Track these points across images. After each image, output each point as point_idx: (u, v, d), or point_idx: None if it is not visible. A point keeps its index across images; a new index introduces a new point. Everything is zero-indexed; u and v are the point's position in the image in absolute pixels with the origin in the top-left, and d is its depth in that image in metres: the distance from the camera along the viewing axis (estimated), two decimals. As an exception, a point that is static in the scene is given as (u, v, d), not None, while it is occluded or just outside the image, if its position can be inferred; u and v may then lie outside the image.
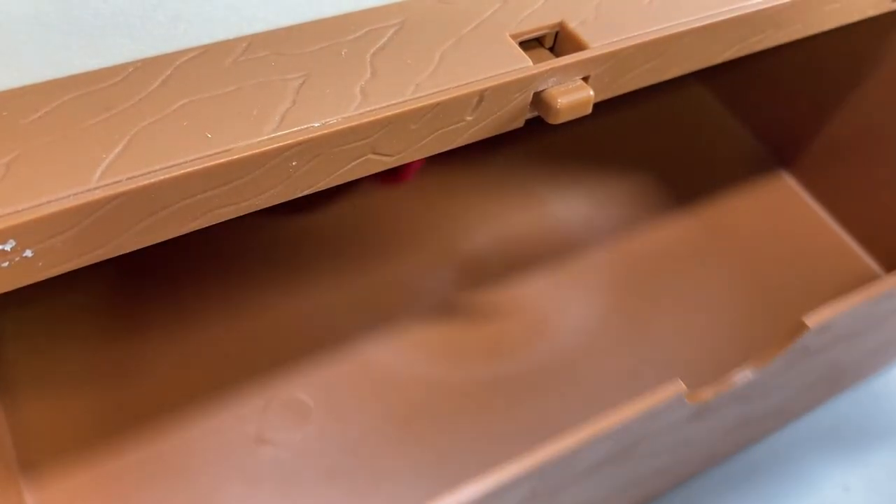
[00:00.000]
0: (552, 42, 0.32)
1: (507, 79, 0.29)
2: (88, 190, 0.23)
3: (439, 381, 0.43)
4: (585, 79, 0.31)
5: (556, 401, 0.43)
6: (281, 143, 0.25)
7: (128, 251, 0.25)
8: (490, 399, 0.42)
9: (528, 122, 0.32)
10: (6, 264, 0.23)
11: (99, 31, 0.27)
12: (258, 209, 0.27)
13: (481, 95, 0.29)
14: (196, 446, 0.39)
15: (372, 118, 0.27)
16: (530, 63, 0.30)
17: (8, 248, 0.23)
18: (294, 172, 0.26)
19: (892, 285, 0.33)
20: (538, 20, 0.32)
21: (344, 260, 0.48)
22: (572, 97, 0.30)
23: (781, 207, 0.54)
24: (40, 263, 0.24)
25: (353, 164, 0.28)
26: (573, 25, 0.32)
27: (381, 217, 0.50)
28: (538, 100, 0.31)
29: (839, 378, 0.42)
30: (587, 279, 0.49)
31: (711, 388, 0.31)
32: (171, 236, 0.26)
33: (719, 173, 0.55)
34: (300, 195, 0.27)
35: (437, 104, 0.28)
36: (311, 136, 0.26)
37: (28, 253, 0.23)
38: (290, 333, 0.44)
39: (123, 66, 0.27)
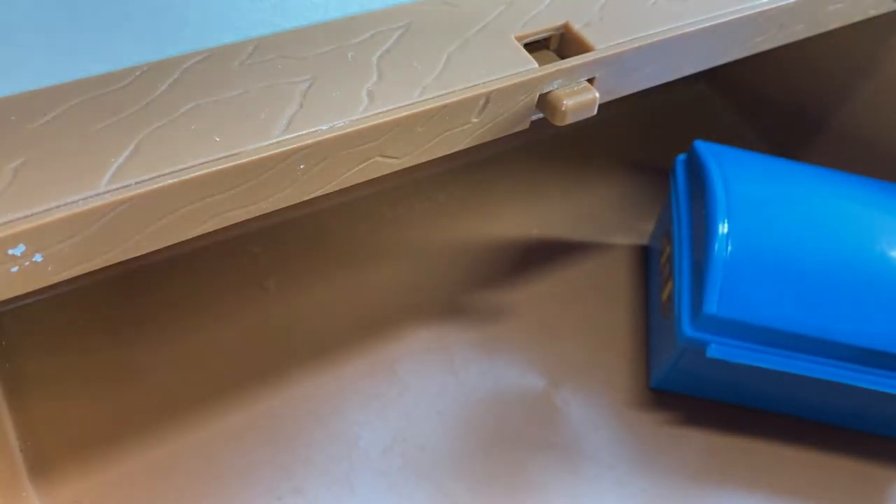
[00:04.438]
0: (557, 44, 0.33)
1: (513, 81, 0.29)
2: (97, 194, 0.23)
3: (438, 380, 0.43)
4: (591, 80, 0.31)
5: (554, 405, 0.43)
6: (289, 147, 0.26)
7: (137, 255, 0.25)
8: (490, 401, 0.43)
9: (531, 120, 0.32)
10: (16, 269, 0.23)
11: (106, 36, 0.28)
12: (266, 212, 0.27)
13: (487, 98, 0.29)
14: (207, 448, 0.39)
15: (379, 121, 0.27)
16: (536, 65, 0.30)
17: (18, 252, 0.23)
18: (302, 175, 0.27)
19: None
20: (543, 22, 0.32)
21: (344, 260, 0.48)
22: (578, 99, 0.30)
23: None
24: (50, 268, 0.24)
25: (360, 166, 0.28)
26: (578, 27, 0.32)
27: (380, 217, 0.50)
28: (544, 101, 0.31)
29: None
30: (588, 280, 0.49)
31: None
32: (180, 239, 0.26)
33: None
34: (308, 198, 0.27)
35: (444, 106, 0.28)
36: (318, 139, 0.26)
37: (38, 257, 0.23)
38: (294, 334, 0.44)
39: (130, 70, 0.27)
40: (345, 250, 0.48)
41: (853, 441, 0.43)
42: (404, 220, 0.51)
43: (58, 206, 0.23)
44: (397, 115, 0.27)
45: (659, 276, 0.46)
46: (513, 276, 0.48)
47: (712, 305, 0.38)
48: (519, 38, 0.31)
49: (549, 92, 0.31)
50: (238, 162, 0.25)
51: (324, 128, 0.26)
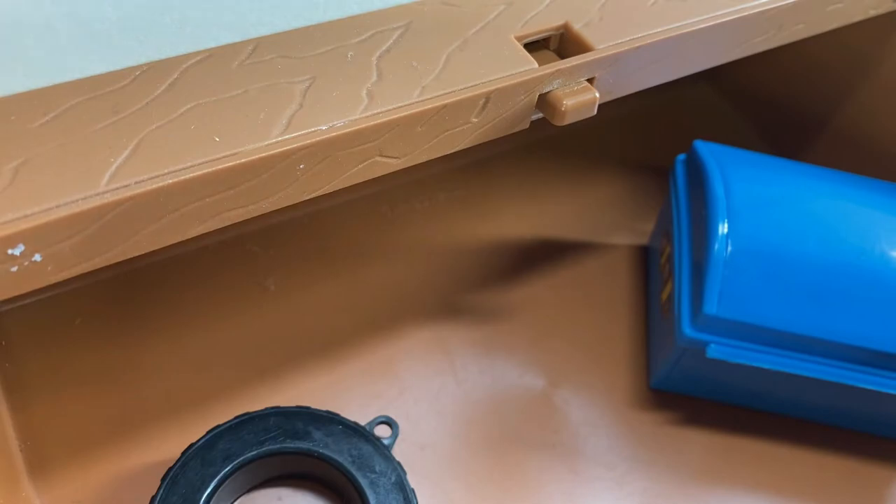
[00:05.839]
0: (557, 44, 0.33)
1: (513, 81, 0.29)
2: (97, 194, 0.23)
3: (437, 380, 0.43)
4: (591, 80, 0.31)
5: (554, 408, 0.43)
6: (288, 147, 0.26)
7: (137, 254, 0.25)
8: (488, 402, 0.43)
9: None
10: (15, 268, 0.23)
11: (106, 35, 0.28)
12: (266, 212, 0.27)
13: (487, 97, 0.29)
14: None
15: (378, 121, 0.27)
16: (536, 65, 0.30)
17: (17, 252, 0.23)
18: (302, 175, 0.27)
19: None
20: (543, 22, 0.32)
21: (344, 260, 0.48)
22: (578, 99, 0.30)
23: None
24: (49, 267, 0.24)
25: (360, 166, 0.28)
26: (578, 27, 0.32)
27: (380, 217, 0.50)
28: (543, 101, 0.31)
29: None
30: (588, 280, 0.49)
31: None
32: (179, 239, 0.26)
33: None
34: (308, 198, 0.27)
35: (444, 106, 0.28)
36: (318, 139, 0.26)
37: (37, 257, 0.23)
38: (294, 334, 0.44)
39: (131, 70, 0.27)
40: (345, 250, 0.48)
41: (853, 441, 0.43)
42: (404, 220, 0.51)
43: (57, 206, 0.23)
44: (397, 115, 0.27)
45: (659, 276, 0.46)
46: (513, 276, 0.48)
47: (712, 305, 0.38)
48: (519, 38, 0.31)
49: (548, 92, 0.31)
50: (238, 162, 0.25)
51: (323, 128, 0.26)
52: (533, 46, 0.32)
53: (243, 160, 0.25)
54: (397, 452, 0.40)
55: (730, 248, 0.38)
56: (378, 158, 0.28)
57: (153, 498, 0.34)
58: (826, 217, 0.39)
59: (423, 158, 0.30)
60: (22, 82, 0.26)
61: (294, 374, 0.42)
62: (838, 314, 0.37)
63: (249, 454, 0.35)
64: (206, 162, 0.25)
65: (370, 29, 0.30)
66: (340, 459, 0.35)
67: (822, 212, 0.39)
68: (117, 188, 0.24)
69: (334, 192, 0.28)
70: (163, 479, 0.34)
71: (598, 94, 0.31)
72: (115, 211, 0.24)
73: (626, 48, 0.31)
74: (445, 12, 0.32)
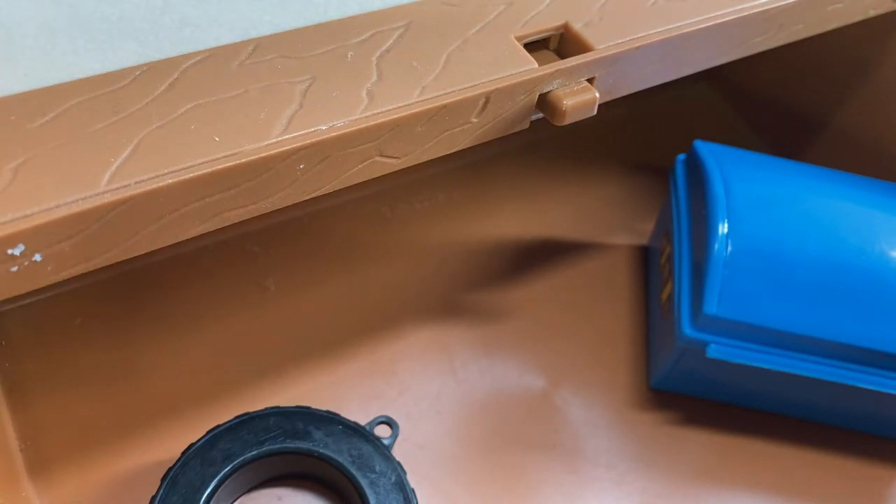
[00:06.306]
0: (557, 44, 0.33)
1: (513, 81, 0.29)
2: (97, 194, 0.23)
3: (437, 380, 0.43)
4: (591, 80, 0.31)
5: (555, 408, 0.43)
6: (288, 147, 0.26)
7: (137, 254, 0.25)
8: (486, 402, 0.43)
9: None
10: (15, 268, 0.23)
11: (106, 35, 0.28)
12: (266, 212, 0.27)
13: (487, 97, 0.29)
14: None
15: (379, 121, 0.27)
16: (536, 65, 0.30)
17: (17, 252, 0.23)
18: (302, 175, 0.27)
19: None
20: (543, 22, 0.32)
21: (344, 260, 0.48)
22: (578, 99, 0.30)
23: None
24: (49, 267, 0.24)
25: (360, 166, 0.28)
26: (578, 27, 0.32)
27: (380, 217, 0.50)
28: (544, 101, 0.31)
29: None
30: (588, 280, 0.49)
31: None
32: (179, 239, 0.26)
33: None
34: (308, 197, 0.27)
35: (444, 106, 0.28)
36: (318, 139, 0.26)
37: (37, 257, 0.23)
38: (294, 334, 0.44)
39: (131, 70, 0.27)
40: (345, 250, 0.48)
41: (853, 441, 0.43)
42: (404, 220, 0.51)
43: (57, 206, 0.23)
44: (397, 115, 0.27)
45: (659, 276, 0.46)
46: (513, 275, 0.48)
47: (712, 305, 0.38)
48: (518, 38, 0.31)
49: (548, 92, 0.31)
50: (238, 162, 0.25)
51: (323, 128, 0.26)
52: (533, 46, 0.32)
53: (243, 160, 0.25)
54: (397, 452, 0.40)
55: (730, 248, 0.38)
56: (378, 158, 0.28)
57: (153, 498, 0.34)
58: (826, 217, 0.39)
59: (423, 158, 0.29)
60: (22, 82, 0.26)
61: (294, 374, 0.42)
62: (838, 314, 0.37)
63: (249, 454, 0.35)
64: (206, 162, 0.25)
65: (370, 29, 0.30)
66: (340, 459, 0.35)
67: (822, 212, 0.39)
68: (117, 188, 0.24)
69: (334, 192, 0.28)
70: (163, 479, 0.34)
71: (598, 94, 0.31)
72: (115, 211, 0.24)
73: (626, 48, 0.31)
74: (445, 12, 0.32)
